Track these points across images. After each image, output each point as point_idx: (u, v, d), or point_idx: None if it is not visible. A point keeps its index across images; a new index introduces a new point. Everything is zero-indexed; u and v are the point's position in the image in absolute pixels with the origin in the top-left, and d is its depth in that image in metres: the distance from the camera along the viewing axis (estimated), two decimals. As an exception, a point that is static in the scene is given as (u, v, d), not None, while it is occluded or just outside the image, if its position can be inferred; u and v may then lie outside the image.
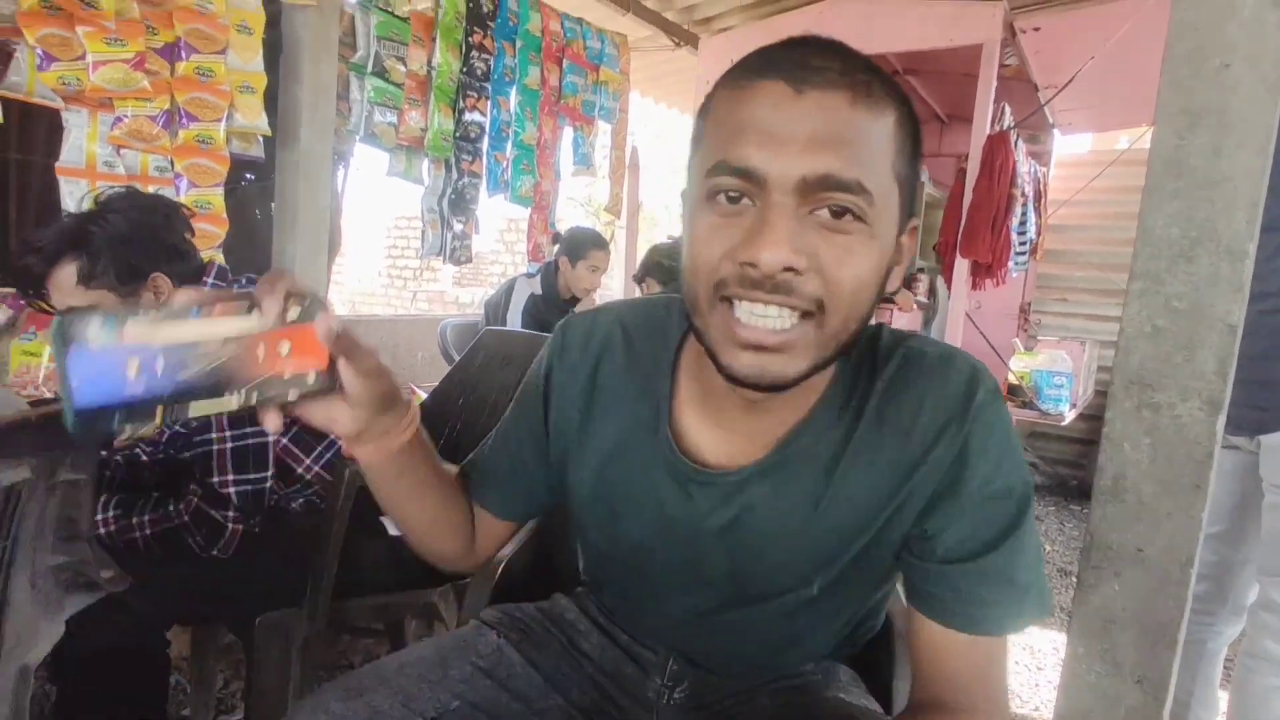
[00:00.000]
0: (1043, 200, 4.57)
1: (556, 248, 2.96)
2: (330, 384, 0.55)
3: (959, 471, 0.63)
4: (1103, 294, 4.78)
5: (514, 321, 2.84)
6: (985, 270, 3.43)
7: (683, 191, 0.65)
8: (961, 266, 3.35)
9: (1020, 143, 3.59)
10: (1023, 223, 3.88)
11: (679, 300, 0.74)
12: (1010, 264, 3.59)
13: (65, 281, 1.26)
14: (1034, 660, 2.48)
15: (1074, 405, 3.49)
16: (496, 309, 2.93)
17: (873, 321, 0.65)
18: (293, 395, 0.51)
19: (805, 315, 0.56)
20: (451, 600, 1.50)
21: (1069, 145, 5.33)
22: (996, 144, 3.19)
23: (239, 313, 0.48)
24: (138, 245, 1.28)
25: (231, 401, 0.49)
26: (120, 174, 1.97)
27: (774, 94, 0.55)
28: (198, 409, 0.48)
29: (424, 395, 2.30)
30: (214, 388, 0.48)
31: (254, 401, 0.50)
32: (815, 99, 0.54)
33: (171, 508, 1.24)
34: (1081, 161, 5.06)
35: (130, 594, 0.99)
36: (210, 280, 1.37)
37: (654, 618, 0.84)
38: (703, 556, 0.72)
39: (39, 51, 1.78)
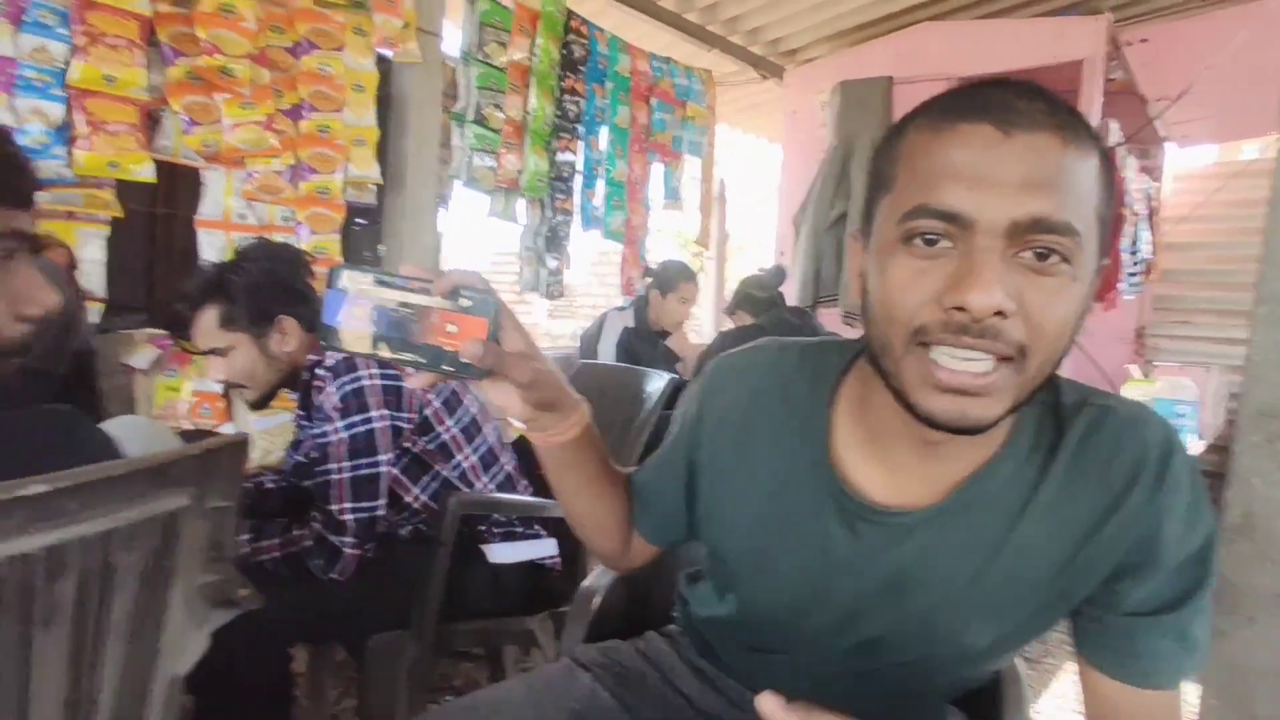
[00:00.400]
0: (1155, 217, 4.32)
1: (648, 281, 3.01)
2: (482, 374, 0.62)
3: (1155, 534, 0.61)
4: (1229, 315, 4.44)
5: (606, 354, 2.91)
6: (1094, 294, 3.26)
7: (853, 232, 0.66)
8: (1068, 290, 3.20)
9: (1130, 159, 3.43)
10: (1134, 242, 3.68)
11: (834, 342, 0.77)
12: (1121, 286, 3.40)
13: (207, 324, 1.40)
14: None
15: (1201, 436, 3.25)
16: (590, 342, 3.01)
17: None
18: (449, 369, 0.60)
19: (1004, 359, 0.55)
20: (549, 627, 1.54)
21: (1188, 158, 5.02)
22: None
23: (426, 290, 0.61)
24: (268, 292, 1.40)
25: (413, 359, 0.60)
26: (251, 224, 2.16)
27: (980, 136, 0.54)
28: (390, 355, 0.60)
29: (521, 428, 2.38)
30: (403, 341, 0.60)
31: (424, 363, 0.60)
32: (1024, 141, 0.53)
33: (296, 532, 1.34)
34: (1203, 174, 4.76)
35: (261, 613, 1.07)
36: (330, 321, 1.48)
37: (781, 668, 0.79)
38: (865, 602, 0.69)
39: (184, 117, 1.98)
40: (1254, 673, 1.13)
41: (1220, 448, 4.18)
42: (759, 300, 2.59)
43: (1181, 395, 3.05)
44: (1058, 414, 0.65)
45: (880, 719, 0.76)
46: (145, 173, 1.88)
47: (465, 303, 0.60)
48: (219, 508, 0.77)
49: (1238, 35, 2.77)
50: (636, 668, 0.88)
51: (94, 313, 1.94)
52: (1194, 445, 3.12)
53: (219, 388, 2.09)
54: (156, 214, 2.81)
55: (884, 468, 0.68)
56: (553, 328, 9.72)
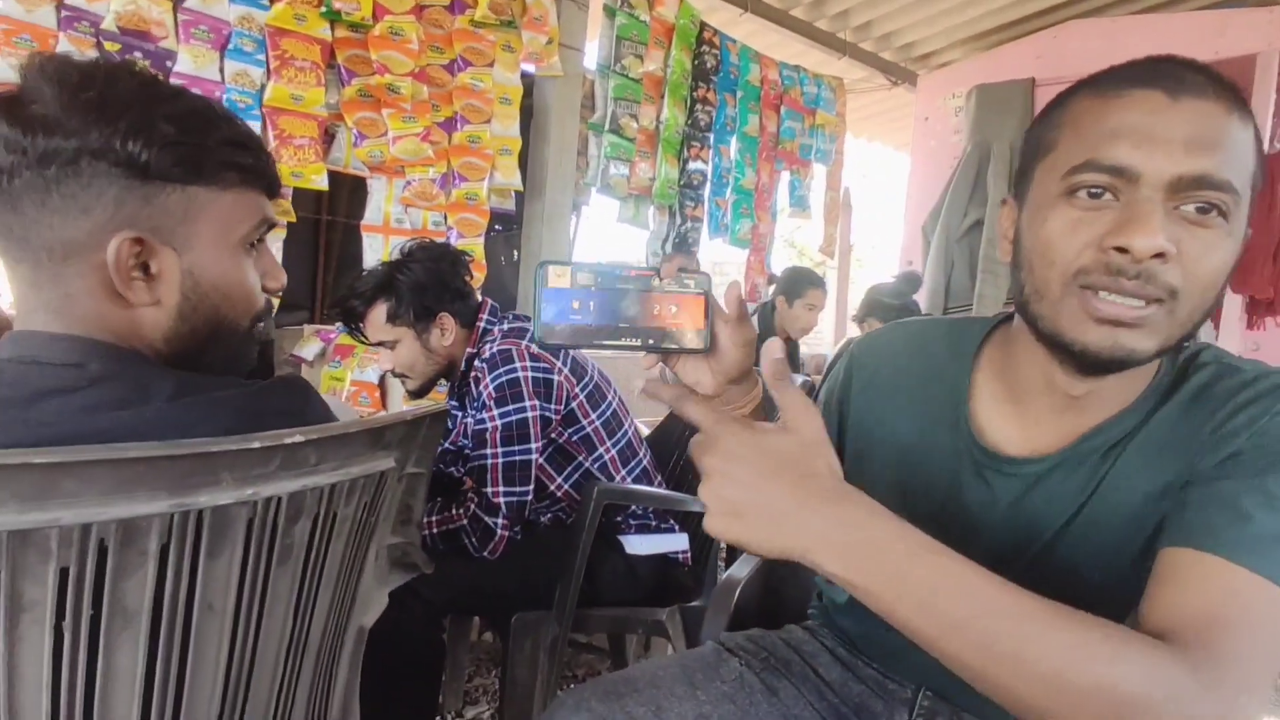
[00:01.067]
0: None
1: (773, 288, 3.02)
2: (705, 346, 0.66)
3: (1225, 428, 0.62)
4: None
5: (730, 359, 2.92)
6: (1266, 306, 2.99)
7: (1005, 199, 0.70)
8: (1233, 304, 2.95)
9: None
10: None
11: (977, 317, 0.81)
12: (1300, 301, 3.10)
13: (377, 319, 1.53)
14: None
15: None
16: (713, 347, 3.03)
17: None
18: (672, 346, 0.64)
19: (1157, 302, 0.58)
20: (677, 620, 1.58)
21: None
22: (1274, 164, 2.81)
23: (649, 278, 0.64)
24: (431, 290, 1.52)
25: (634, 342, 0.63)
26: (407, 229, 2.34)
27: (1150, 101, 0.58)
28: (612, 343, 0.63)
29: (645, 429, 2.44)
30: (623, 328, 0.63)
31: (647, 344, 0.63)
32: (1192, 106, 0.57)
33: (454, 510, 1.44)
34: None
35: (421, 582, 1.17)
36: (485, 316, 1.58)
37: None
38: (993, 548, 0.70)
39: (355, 132, 2.17)
40: None
41: None
42: (891, 308, 2.55)
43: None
44: (1186, 368, 0.68)
45: None
46: (321, 181, 2.08)
47: (687, 283, 0.64)
48: (415, 474, 0.86)
49: None
50: (781, 654, 0.90)
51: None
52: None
53: (375, 378, 2.27)
54: (321, 220, 3.10)
55: (1020, 423, 0.72)
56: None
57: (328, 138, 2.20)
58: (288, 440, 0.61)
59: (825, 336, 4.84)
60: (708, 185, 3.07)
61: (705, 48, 3.03)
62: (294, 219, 2.21)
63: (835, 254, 4.02)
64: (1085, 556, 0.70)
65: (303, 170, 2.01)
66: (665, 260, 0.65)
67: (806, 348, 3.58)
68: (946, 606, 0.50)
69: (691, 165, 2.98)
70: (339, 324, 1.81)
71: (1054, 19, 3.46)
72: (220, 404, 0.67)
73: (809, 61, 3.63)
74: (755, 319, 2.99)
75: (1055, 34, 3.42)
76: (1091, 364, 0.61)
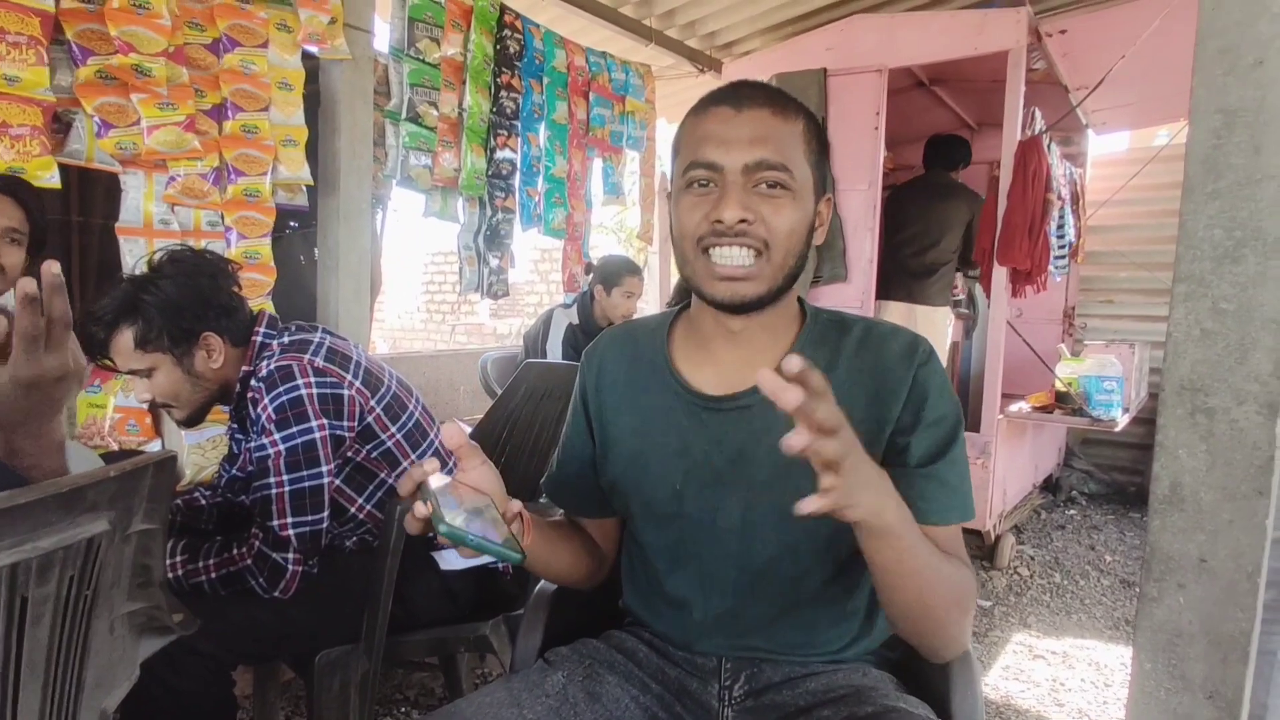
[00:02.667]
0: (1080, 202, 4.49)
1: (591, 277, 2.99)
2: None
3: (922, 398, 0.85)
4: (1149, 294, 4.65)
5: (554, 352, 2.88)
6: (1025, 277, 3.37)
7: (668, 193, 0.96)
8: (1000, 274, 3.30)
9: (1053, 146, 3.55)
10: (1061, 226, 3.81)
11: (667, 311, 1.04)
12: (1050, 269, 3.52)
13: (124, 346, 1.33)
14: (1100, 676, 2.40)
15: (1126, 410, 3.40)
16: (535, 341, 2.97)
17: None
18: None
19: (758, 254, 0.83)
20: (502, 632, 1.51)
21: (1106, 145, 5.23)
22: (1028, 149, 3.15)
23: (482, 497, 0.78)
24: (187, 310, 1.33)
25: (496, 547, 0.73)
26: (175, 230, 2.07)
27: (723, 113, 0.84)
28: (491, 552, 0.73)
29: (468, 428, 2.34)
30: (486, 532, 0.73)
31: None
32: (750, 114, 0.84)
33: (235, 551, 1.28)
34: (1120, 160, 4.96)
35: (198, 636, 1.02)
36: (262, 330, 1.42)
37: (691, 590, 0.93)
38: (723, 481, 0.89)
39: (97, 120, 1.88)
40: (1183, 637, 1.17)
41: (1145, 420, 4.38)
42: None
43: (1108, 371, 3.18)
44: (841, 324, 0.92)
45: (808, 645, 0.92)
46: (51, 179, 1.77)
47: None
48: (144, 530, 0.73)
49: (1150, 25, 2.89)
50: (604, 657, 0.96)
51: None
52: (1120, 419, 3.26)
53: (145, 404, 2.00)
54: (71, 221, 2.68)
55: (711, 364, 0.92)
56: (498, 327, 9.62)
57: (62, 126, 1.89)
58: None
59: (651, 321, 4.92)
60: (517, 175, 2.98)
61: (507, 32, 2.93)
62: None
63: (655, 240, 4.07)
64: (806, 482, 0.76)
65: (25, 165, 1.70)
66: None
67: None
68: (922, 549, 0.76)
69: (499, 154, 2.88)
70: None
71: (842, 12, 3.68)
72: None
73: (616, 48, 3.62)
74: (575, 309, 2.97)
75: (842, 27, 3.63)
76: (725, 308, 0.86)
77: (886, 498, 0.72)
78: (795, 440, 0.61)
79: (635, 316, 3.00)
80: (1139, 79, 3.45)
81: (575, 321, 2.92)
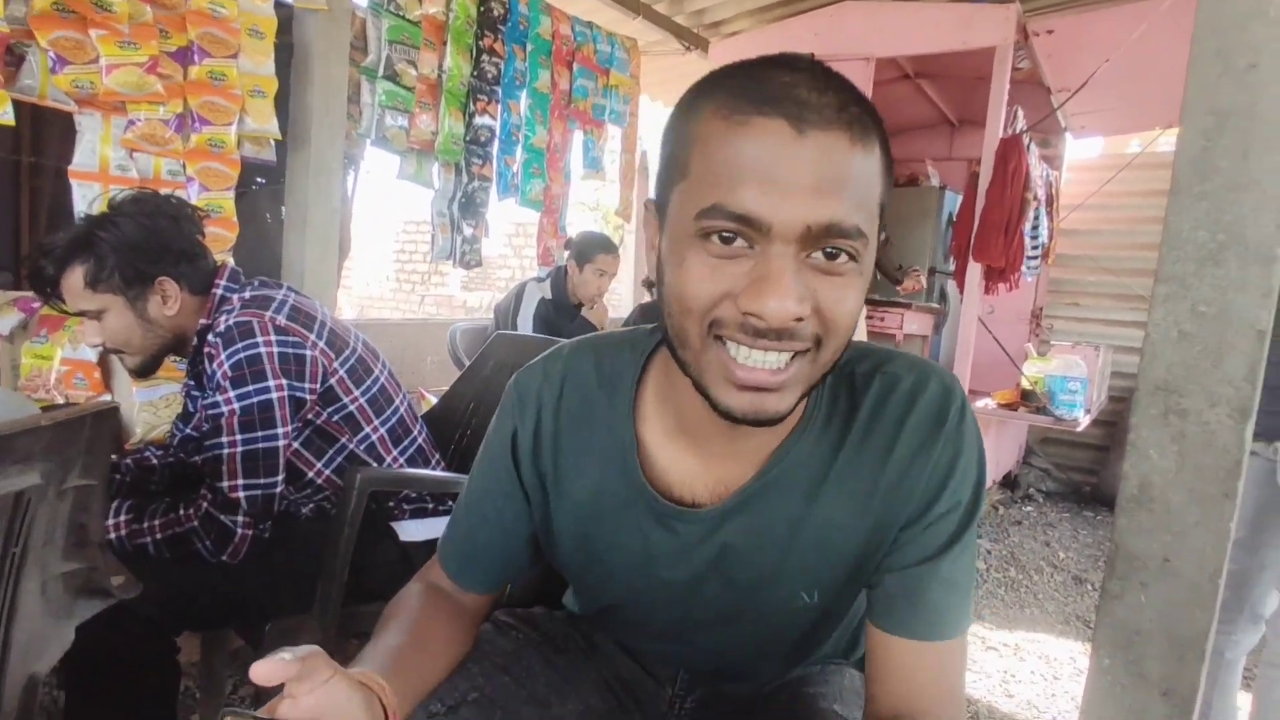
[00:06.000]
0: (1054, 204, 4.54)
1: (566, 252, 2.94)
2: None
3: (940, 486, 0.66)
4: (1116, 298, 4.74)
5: (525, 326, 2.83)
6: (999, 274, 3.40)
7: (648, 202, 0.64)
8: (974, 271, 3.32)
9: (1033, 146, 3.57)
10: (1035, 227, 3.85)
11: (627, 339, 0.76)
12: (1023, 268, 3.56)
13: (75, 284, 1.26)
14: (1050, 669, 2.45)
15: (1088, 411, 3.46)
16: (506, 314, 2.92)
17: (870, 323, 0.67)
18: None
19: (802, 353, 0.57)
20: (462, 607, 1.48)
21: (1080, 149, 5.30)
22: (1009, 148, 3.17)
23: None
24: (144, 251, 1.27)
25: None
26: (133, 177, 1.97)
27: (774, 134, 0.53)
28: None
29: (434, 400, 2.29)
30: None
31: None
32: (817, 141, 0.52)
33: (182, 512, 1.23)
34: (1093, 165, 5.03)
35: (140, 600, 0.98)
36: (223, 283, 1.36)
37: (655, 642, 0.86)
38: (694, 587, 0.73)
39: (51, 55, 1.77)
40: (1142, 635, 1.18)
41: (1103, 422, 4.47)
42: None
43: (1073, 372, 3.23)
44: (852, 384, 0.69)
45: (773, 673, 0.84)
46: (4, 115, 1.67)
47: None
48: (81, 486, 0.68)
49: (1135, 30, 2.91)
50: (561, 630, 0.89)
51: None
52: (1082, 420, 3.32)
53: (94, 356, 1.91)
54: (22, 162, 2.55)
55: (696, 454, 0.70)
56: (468, 300, 9.49)
57: (14, 60, 1.78)
58: None
59: (624, 301, 4.87)
60: (496, 142, 2.90)
61: (492, -6, 2.84)
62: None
63: (633, 218, 4.02)
64: (794, 586, 0.72)
65: (-27, 98, 1.60)
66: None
67: (614, 311, 3.55)
68: None
69: (478, 120, 2.80)
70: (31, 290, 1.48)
71: (830, -2, 3.65)
72: None
73: (602, 19, 3.54)
74: (549, 283, 2.92)
75: (831, 12, 3.61)
76: (739, 423, 0.59)
77: None
78: None
79: (604, 297, 2.96)
80: (1119, 84, 3.49)
81: (548, 296, 2.87)
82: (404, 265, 10.06)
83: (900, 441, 0.66)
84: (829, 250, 0.54)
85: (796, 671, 0.86)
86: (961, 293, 3.54)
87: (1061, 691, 2.32)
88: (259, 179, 2.68)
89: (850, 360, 0.69)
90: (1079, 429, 3.32)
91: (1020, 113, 3.38)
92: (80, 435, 0.63)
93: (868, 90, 3.41)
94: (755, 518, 0.69)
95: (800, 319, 0.55)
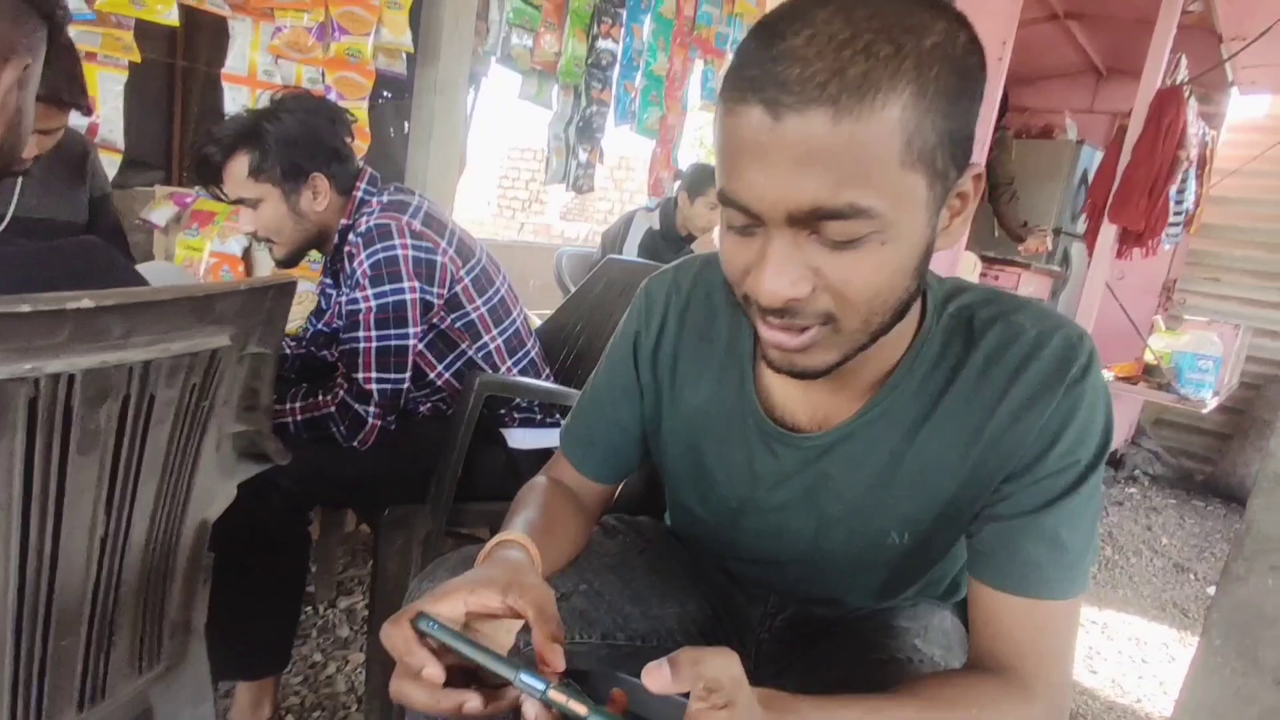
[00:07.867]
0: (1207, 168, 4.16)
1: (677, 184, 2.92)
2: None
3: (1054, 439, 0.63)
4: (1261, 276, 4.35)
5: (630, 254, 2.84)
6: (1135, 239, 3.17)
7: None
8: (1107, 233, 3.10)
9: (1193, 100, 3.26)
10: (1182, 190, 3.55)
11: None
12: (1163, 234, 3.30)
13: (238, 172, 1.35)
14: (1139, 651, 2.37)
15: (1217, 393, 3.23)
16: (614, 241, 2.94)
17: (982, 282, 0.62)
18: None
19: (821, 323, 0.56)
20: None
21: (1242, 107, 4.79)
22: (1167, 100, 2.90)
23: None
24: (303, 146, 1.35)
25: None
26: (277, 83, 2.07)
27: (753, 122, 0.50)
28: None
29: (538, 320, 2.35)
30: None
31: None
32: (793, 125, 0.49)
33: (321, 397, 1.33)
34: (1255, 127, 4.55)
35: (281, 472, 1.07)
36: (363, 185, 1.42)
37: (747, 566, 0.87)
38: (788, 513, 0.76)
39: (212, -42, 1.86)
40: (1264, 620, 1.13)
41: (1232, 410, 4.16)
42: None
43: (1207, 350, 3.01)
44: (970, 329, 0.67)
45: (862, 604, 0.85)
46: (170, 15, 1.78)
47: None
48: (259, 354, 0.75)
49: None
50: (665, 538, 0.94)
51: (111, 164, 1.88)
52: (1209, 401, 3.11)
53: (239, 250, 2.05)
54: (176, 65, 2.71)
55: (801, 384, 0.69)
56: (565, 230, 9.58)
57: (177, -38, 1.88)
58: (72, 305, 0.49)
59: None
60: (616, 67, 2.88)
61: (624, -89, 2.78)
62: (138, 58, 1.90)
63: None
64: (886, 521, 0.72)
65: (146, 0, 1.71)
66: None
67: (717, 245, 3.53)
68: None
69: (601, 43, 2.77)
70: (197, 184, 1.59)
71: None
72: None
73: (732, -57, 3.41)
74: (659, 214, 2.91)
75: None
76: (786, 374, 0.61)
77: None
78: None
79: (714, 231, 2.93)
80: (1305, 35, 3.11)
81: (656, 227, 2.87)
82: (506, 191, 10.21)
83: (1014, 390, 0.63)
84: (833, 237, 0.52)
85: (887, 603, 0.86)
86: (1090, 255, 3.32)
87: (1149, 674, 2.25)
88: (385, 93, 2.76)
89: (970, 305, 0.68)
90: (1205, 410, 3.11)
91: (1184, 61, 3.08)
92: (263, 305, 0.69)
93: (1010, 29, 3.16)
94: (855, 450, 0.70)
95: (796, 299, 0.54)
